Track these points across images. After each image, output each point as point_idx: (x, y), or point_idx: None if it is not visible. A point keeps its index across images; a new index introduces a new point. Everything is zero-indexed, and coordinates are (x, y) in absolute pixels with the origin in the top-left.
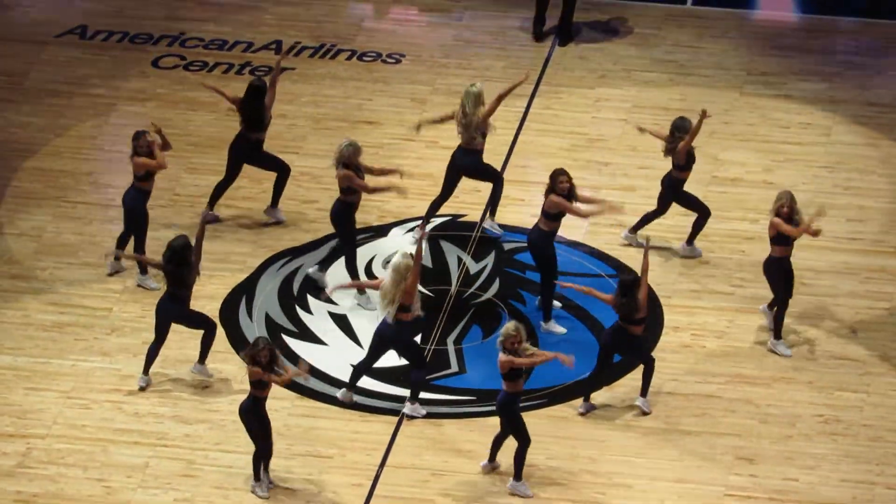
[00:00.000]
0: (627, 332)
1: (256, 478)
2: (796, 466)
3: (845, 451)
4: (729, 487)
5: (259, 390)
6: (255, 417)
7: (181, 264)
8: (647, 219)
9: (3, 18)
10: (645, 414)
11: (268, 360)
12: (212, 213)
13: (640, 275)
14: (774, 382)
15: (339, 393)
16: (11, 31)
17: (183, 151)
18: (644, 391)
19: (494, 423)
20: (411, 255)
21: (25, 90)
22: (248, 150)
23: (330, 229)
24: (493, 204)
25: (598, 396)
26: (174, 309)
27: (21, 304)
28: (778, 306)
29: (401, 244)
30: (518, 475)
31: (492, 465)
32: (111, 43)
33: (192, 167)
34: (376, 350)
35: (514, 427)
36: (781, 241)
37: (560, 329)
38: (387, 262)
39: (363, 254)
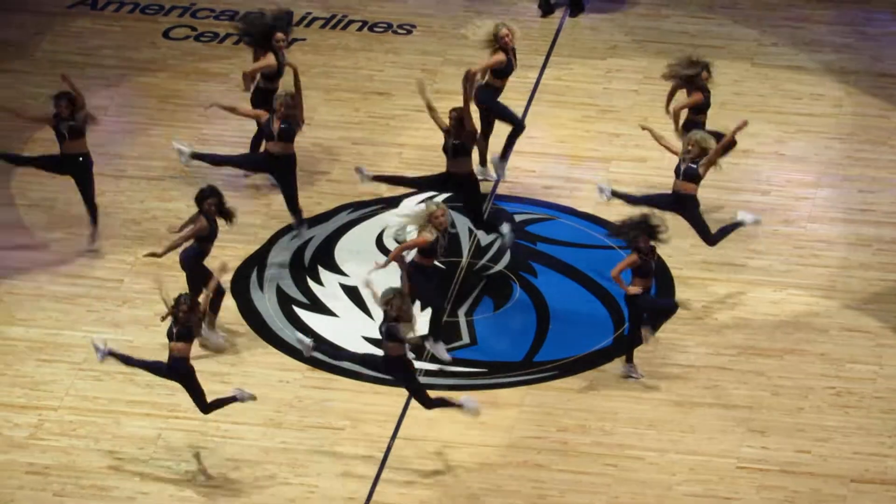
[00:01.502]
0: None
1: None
2: (808, 439)
3: (857, 424)
4: (741, 459)
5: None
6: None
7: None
8: None
9: None
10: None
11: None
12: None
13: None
14: (786, 354)
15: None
16: (23, 2)
17: (194, 122)
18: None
19: (507, 395)
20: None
21: (37, 61)
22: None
23: (341, 199)
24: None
25: (612, 367)
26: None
27: (33, 276)
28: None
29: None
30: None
31: None
32: (122, 13)
33: (202, 138)
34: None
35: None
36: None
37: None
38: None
39: (371, 225)
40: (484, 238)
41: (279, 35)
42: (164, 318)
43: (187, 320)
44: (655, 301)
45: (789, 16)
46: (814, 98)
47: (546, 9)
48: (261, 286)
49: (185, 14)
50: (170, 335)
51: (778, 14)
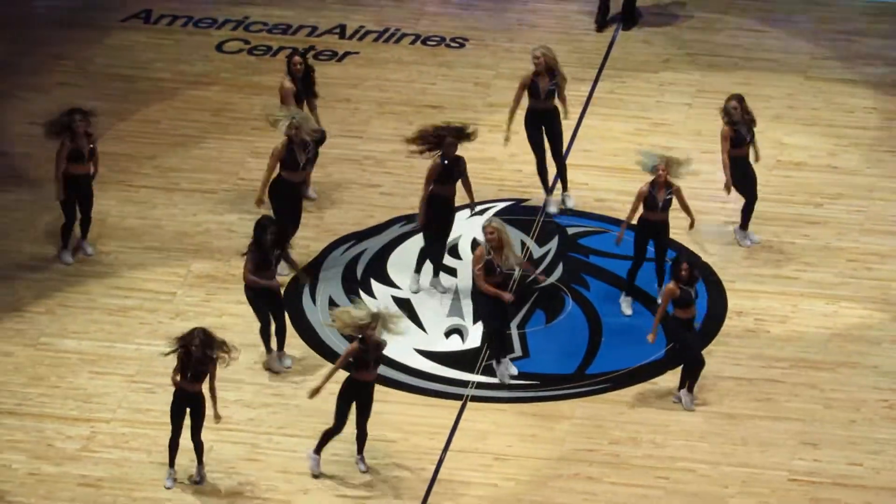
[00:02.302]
0: None
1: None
2: (860, 451)
3: None
4: (793, 472)
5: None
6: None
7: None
8: (747, 211)
9: (69, 3)
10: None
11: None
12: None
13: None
14: (839, 367)
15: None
16: (77, 16)
17: (247, 136)
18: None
19: (559, 407)
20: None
21: (90, 74)
22: None
23: (394, 212)
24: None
25: (663, 381)
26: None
27: (85, 288)
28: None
29: (464, 229)
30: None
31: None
32: (175, 27)
33: (256, 151)
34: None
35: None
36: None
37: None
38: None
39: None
40: (536, 250)
41: (297, 59)
42: (167, 354)
43: (203, 357)
44: (687, 342)
45: (843, 29)
46: (866, 111)
47: (601, 23)
48: (313, 299)
49: (239, 28)
50: (184, 374)
51: (831, 27)
